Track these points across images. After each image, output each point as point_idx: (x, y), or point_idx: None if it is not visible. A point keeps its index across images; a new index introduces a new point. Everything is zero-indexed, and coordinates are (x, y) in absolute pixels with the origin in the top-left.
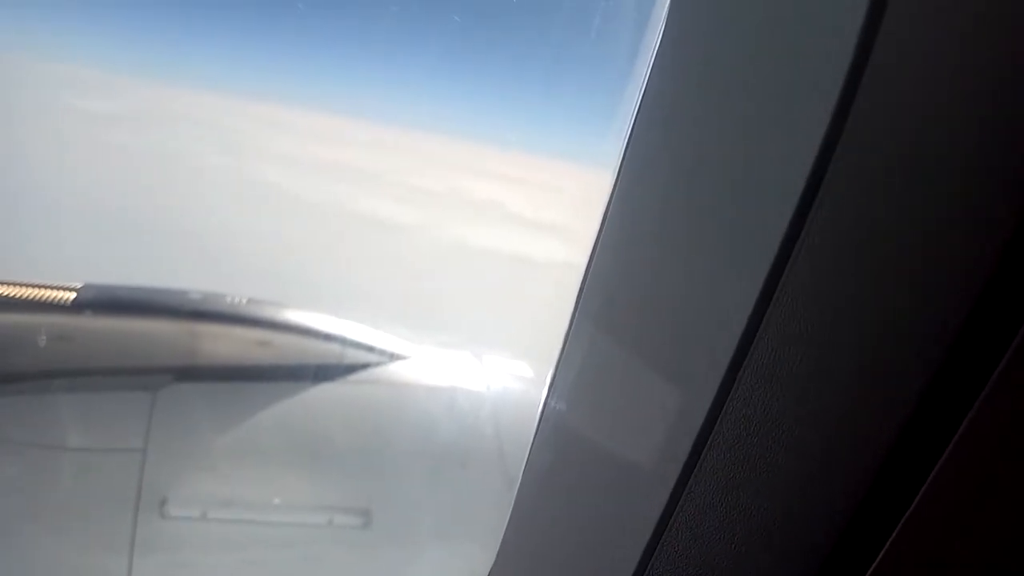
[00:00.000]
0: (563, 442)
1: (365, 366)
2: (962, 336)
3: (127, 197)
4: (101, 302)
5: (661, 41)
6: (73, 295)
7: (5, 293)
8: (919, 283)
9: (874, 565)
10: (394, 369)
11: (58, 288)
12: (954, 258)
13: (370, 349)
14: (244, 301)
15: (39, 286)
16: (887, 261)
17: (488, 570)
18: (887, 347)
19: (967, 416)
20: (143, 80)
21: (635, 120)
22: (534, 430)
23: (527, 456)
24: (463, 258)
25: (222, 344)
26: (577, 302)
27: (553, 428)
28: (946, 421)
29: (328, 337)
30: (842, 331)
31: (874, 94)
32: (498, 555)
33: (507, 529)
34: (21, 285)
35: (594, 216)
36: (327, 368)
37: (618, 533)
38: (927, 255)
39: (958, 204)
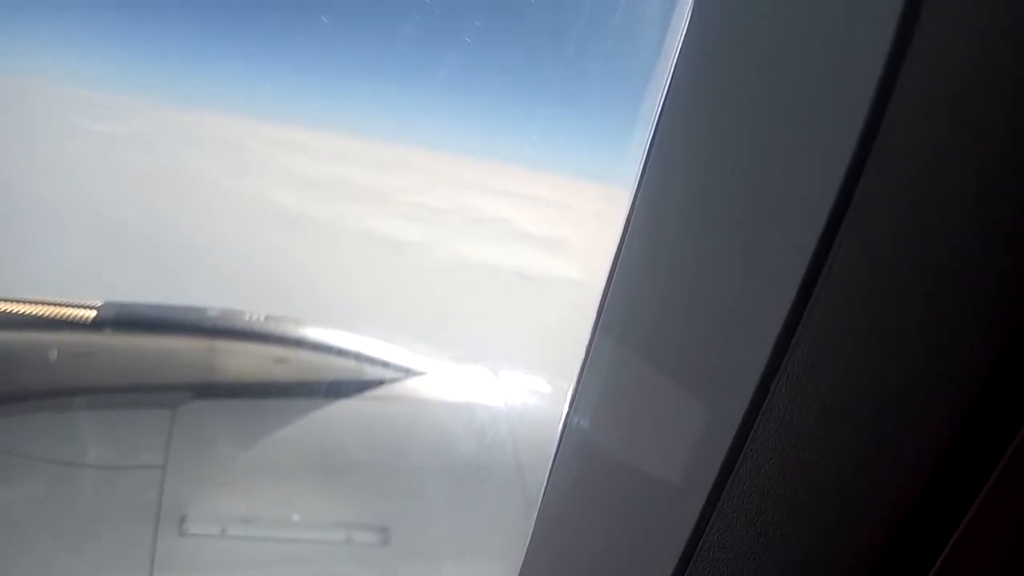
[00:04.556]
0: (586, 458)
1: (382, 382)
2: (1010, 348)
3: (143, 217)
4: (121, 320)
5: (680, 56)
6: (93, 313)
7: (24, 312)
8: (960, 293)
9: None
10: (411, 385)
11: (78, 306)
12: (997, 271)
13: (387, 365)
14: (262, 318)
15: (59, 304)
16: (924, 272)
17: None
18: (929, 358)
19: (1017, 434)
20: (153, 102)
21: (655, 133)
22: (554, 446)
23: (548, 472)
24: (477, 274)
25: (241, 361)
26: (598, 316)
27: (575, 444)
28: (995, 437)
29: (345, 353)
30: (880, 342)
31: (905, 109)
32: (520, 573)
33: (528, 547)
34: (40, 304)
35: (608, 232)
36: (345, 384)
37: (645, 553)
38: (967, 264)
39: (994, 216)
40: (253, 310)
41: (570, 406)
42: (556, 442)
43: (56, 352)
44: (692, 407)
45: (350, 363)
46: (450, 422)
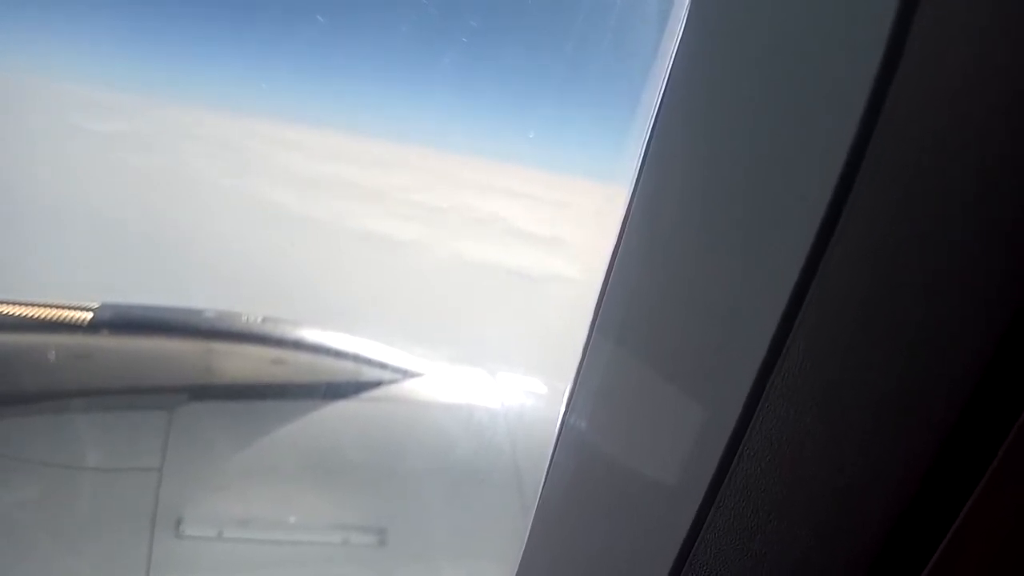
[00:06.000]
0: (583, 459)
1: (379, 384)
2: (1004, 347)
3: (141, 216)
4: (117, 321)
5: (677, 54)
6: (90, 315)
7: (20, 313)
8: (954, 295)
9: None
10: (408, 386)
11: (74, 308)
12: (991, 270)
13: (384, 366)
14: (259, 320)
15: (56, 306)
16: (919, 271)
17: None
18: (924, 357)
19: (1010, 432)
20: (151, 100)
21: (652, 131)
22: (551, 447)
23: (545, 474)
24: (475, 273)
25: (237, 363)
26: (595, 317)
27: (572, 445)
28: (990, 434)
29: (342, 355)
30: (876, 340)
31: (902, 106)
32: (517, 574)
33: (526, 548)
34: (37, 305)
35: (606, 231)
36: (342, 386)
37: (642, 552)
38: (962, 262)
39: (990, 216)
40: (250, 311)
41: (567, 406)
42: (553, 443)
43: (52, 354)
44: (688, 406)
45: (347, 364)
46: (447, 423)
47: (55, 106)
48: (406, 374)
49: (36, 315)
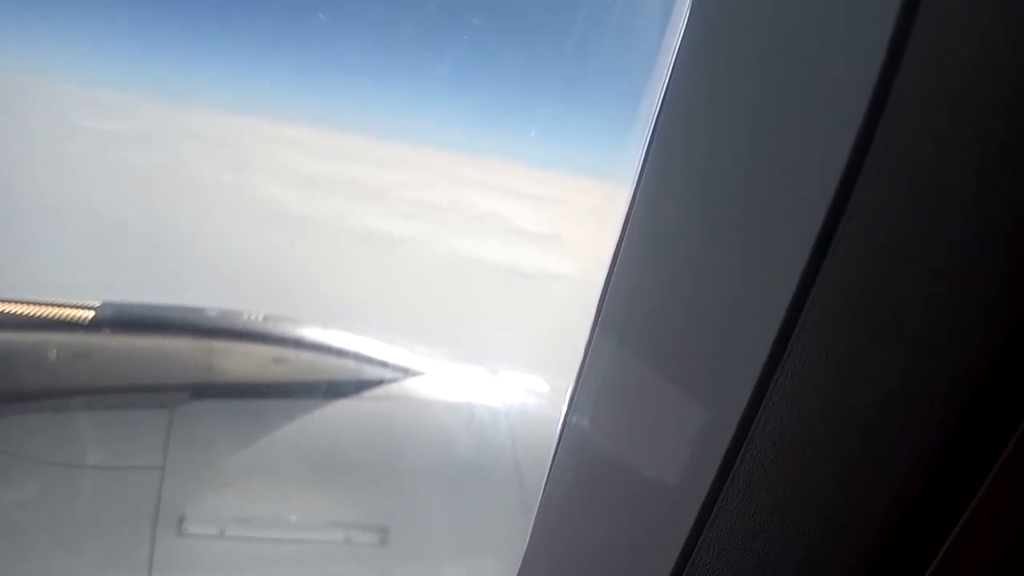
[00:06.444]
0: (585, 458)
1: (381, 382)
2: (1008, 347)
3: (141, 214)
4: (119, 320)
5: (679, 52)
6: (91, 313)
7: (22, 312)
8: (957, 294)
9: None
10: (410, 385)
11: (76, 306)
12: (993, 270)
13: (385, 365)
14: (260, 318)
15: (57, 305)
16: (922, 270)
17: None
18: (927, 357)
19: (1015, 430)
20: (151, 99)
21: (654, 130)
22: (552, 446)
23: (547, 472)
24: (474, 271)
25: (239, 361)
26: (597, 315)
27: (574, 444)
28: (994, 434)
29: (344, 353)
30: (879, 340)
31: (903, 106)
32: (519, 573)
33: (528, 547)
34: (38, 304)
35: (605, 229)
36: (343, 384)
37: (645, 551)
38: (965, 261)
39: (992, 215)
40: (251, 310)
41: (569, 405)
42: (555, 441)
43: (54, 352)
44: (691, 405)
45: (348, 363)
46: (448, 422)
47: (55, 106)
48: (407, 372)
49: (37, 314)
